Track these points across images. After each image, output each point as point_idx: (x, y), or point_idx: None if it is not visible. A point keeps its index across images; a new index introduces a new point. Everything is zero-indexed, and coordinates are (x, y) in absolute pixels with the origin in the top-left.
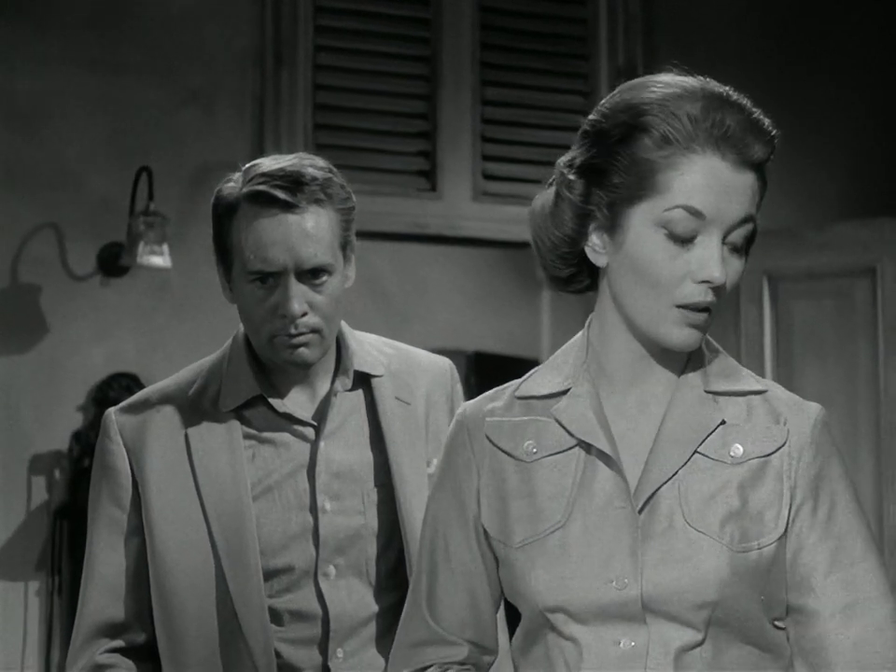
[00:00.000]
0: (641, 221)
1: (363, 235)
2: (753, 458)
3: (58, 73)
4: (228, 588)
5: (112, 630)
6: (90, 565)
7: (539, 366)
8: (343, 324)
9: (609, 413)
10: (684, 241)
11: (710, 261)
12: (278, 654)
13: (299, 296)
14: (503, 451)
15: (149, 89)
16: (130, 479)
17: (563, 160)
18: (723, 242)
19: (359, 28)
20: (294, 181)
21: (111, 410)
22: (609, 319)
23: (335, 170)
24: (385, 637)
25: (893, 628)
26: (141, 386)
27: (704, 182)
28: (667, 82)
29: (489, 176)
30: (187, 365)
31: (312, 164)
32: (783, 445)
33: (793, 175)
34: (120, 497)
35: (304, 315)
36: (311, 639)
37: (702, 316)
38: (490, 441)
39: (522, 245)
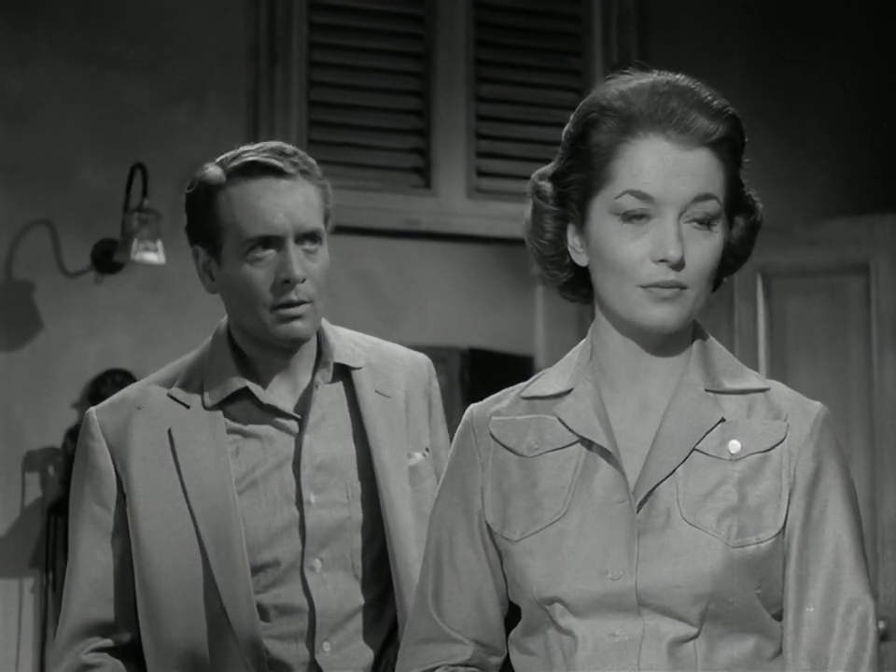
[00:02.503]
0: (599, 211)
1: (357, 232)
2: (752, 454)
3: (51, 69)
4: (215, 583)
5: (97, 630)
6: (74, 564)
7: (547, 369)
8: (323, 319)
9: (611, 411)
10: (639, 223)
11: (665, 240)
12: (266, 651)
13: (299, 260)
14: (506, 447)
15: (143, 85)
16: (113, 477)
17: (536, 172)
18: (683, 220)
19: (353, 25)
20: (280, 153)
21: (92, 409)
22: (602, 319)
23: None
24: (371, 629)
25: (872, 627)
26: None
27: (649, 165)
28: (626, 79)
29: (483, 173)
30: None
31: (287, 145)
32: (782, 441)
33: (786, 171)
34: (104, 496)
35: (304, 280)
36: (297, 634)
37: (669, 292)
38: (494, 438)
39: (516, 242)
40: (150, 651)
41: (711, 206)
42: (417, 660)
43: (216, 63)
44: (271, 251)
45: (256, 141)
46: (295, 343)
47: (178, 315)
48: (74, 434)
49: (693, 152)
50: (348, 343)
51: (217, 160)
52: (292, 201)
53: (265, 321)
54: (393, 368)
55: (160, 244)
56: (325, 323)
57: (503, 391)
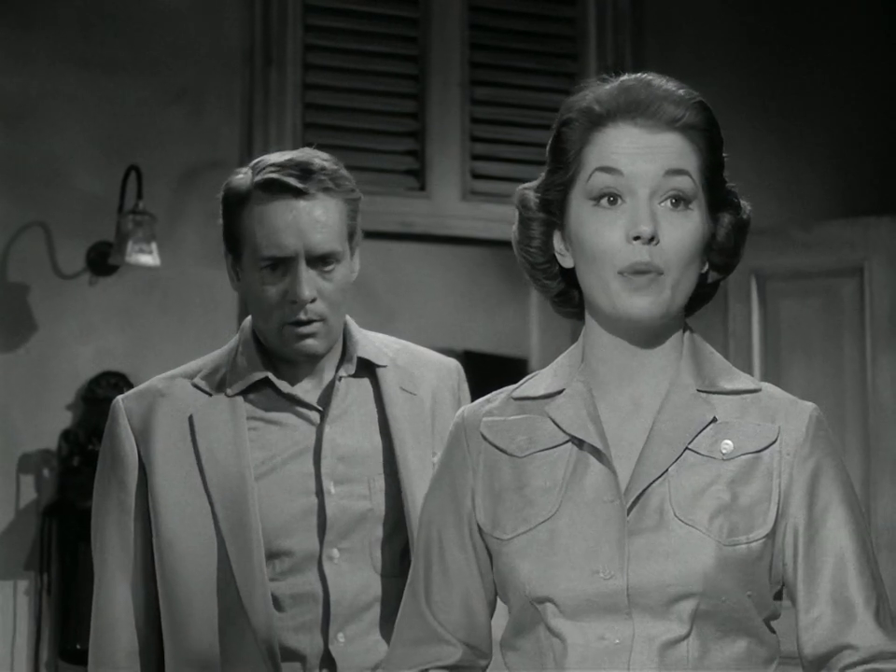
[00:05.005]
0: (576, 202)
1: None
2: (743, 454)
3: (46, 71)
4: (231, 567)
5: (133, 616)
6: (102, 551)
7: (538, 371)
8: (349, 318)
9: (603, 411)
10: (613, 207)
11: (637, 217)
12: (280, 640)
13: (309, 281)
14: (497, 447)
15: (138, 87)
16: (136, 462)
17: (520, 186)
18: (659, 200)
19: (348, 27)
20: (304, 170)
21: (119, 397)
22: (592, 322)
23: (340, 163)
24: (388, 623)
25: (877, 626)
26: (130, 385)
27: (616, 144)
28: (599, 84)
29: (478, 175)
30: (175, 363)
31: (318, 156)
32: (774, 442)
33: (781, 173)
34: (127, 482)
35: (313, 301)
36: (312, 623)
37: (644, 279)
38: (485, 438)
39: (510, 245)
40: (168, 634)
41: (684, 182)
42: (407, 661)
43: (211, 65)
44: (282, 271)
45: (250, 143)
46: (309, 359)
47: (173, 317)
48: (68, 436)
49: (661, 135)
50: (375, 341)
51: (251, 163)
52: (308, 222)
53: (277, 336)
54: (420, 368)
55: (154, 246)
56: (351, 322)
57: (494, 392)
